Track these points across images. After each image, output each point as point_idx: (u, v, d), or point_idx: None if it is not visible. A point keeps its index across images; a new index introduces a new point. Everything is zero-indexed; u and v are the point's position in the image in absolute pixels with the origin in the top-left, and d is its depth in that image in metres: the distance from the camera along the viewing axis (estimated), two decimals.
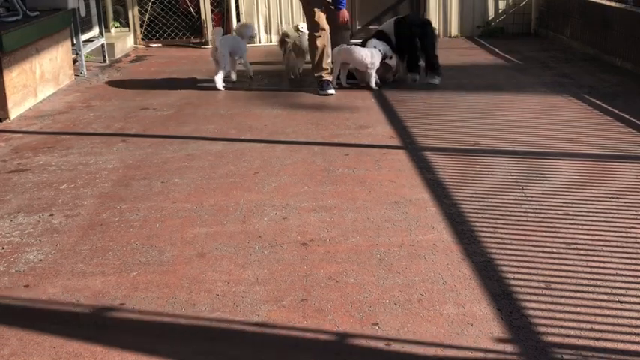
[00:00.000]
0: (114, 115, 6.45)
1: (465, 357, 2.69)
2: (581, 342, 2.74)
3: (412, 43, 7.23)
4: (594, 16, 8.47)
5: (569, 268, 3.32)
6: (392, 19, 7.63)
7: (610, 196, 4.17)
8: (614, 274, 3.24)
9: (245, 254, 3.58)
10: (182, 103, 6.85)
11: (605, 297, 3.06)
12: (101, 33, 9.06)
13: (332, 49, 7.22)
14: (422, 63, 7.35)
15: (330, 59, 7.18)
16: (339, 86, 7.17)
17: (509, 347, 2.74)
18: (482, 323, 2.89)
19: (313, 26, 7.09)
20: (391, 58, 7.09)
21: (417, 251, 3.55)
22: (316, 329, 2.90)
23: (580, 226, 3.77)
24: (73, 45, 8.09)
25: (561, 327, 2.84)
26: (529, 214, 3.94)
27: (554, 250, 3.50)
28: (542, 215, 3.92)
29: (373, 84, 7.07)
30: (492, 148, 5.15)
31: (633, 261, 3.36)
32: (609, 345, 2.73)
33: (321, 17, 7.05)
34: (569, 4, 9.21)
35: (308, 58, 7.42)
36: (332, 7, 7.12)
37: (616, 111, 6.00)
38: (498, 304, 3.03)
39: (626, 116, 5.83)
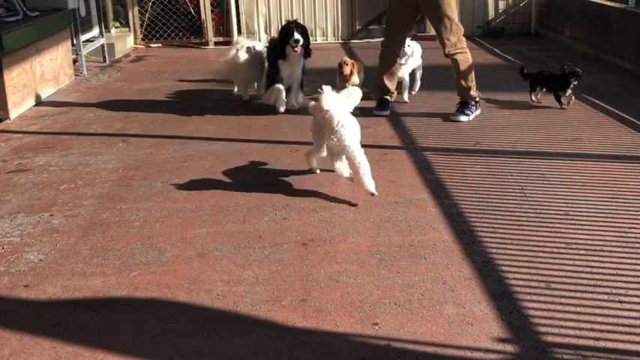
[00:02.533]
0: (114, 115, 6.45)
1: (464, 357, 2.69)
2: (581, 342, 2.74)
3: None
4: (594, 16, 8.47)
5: (569, 268, 3.32)
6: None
7: (610, 196, 4.17)
8: (614, 274, 3.24)
9: (245, 254, 3.58)
10: (182, 102, 6.85)
11: (605, 297, 3.06)
12: (101, 33, 9.06)
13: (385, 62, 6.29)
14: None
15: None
16: None
17: (509, 347, 2.74)
18: (482, 323, 2.89)
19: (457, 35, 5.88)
20: None
21: (417, 251, 3.55)
22: (316, 329, 2.90)
23: (580, 226, 3.78)
24: (73, 45, 8.09)
25: (561, 327, 2.84)
26: (529, 214, 3.94)
27: (554, 250, 3.51)
28: (542, 215, 3.92)
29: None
30: (493, 148, 5.15)
31: (633, 261, 3.36)
32: (609, 345, 2.73)
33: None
34: (569, 4, 9.21)
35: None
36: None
37: (616, 111, 6.00)
38: (498, 304, 3.03)
39: (626, 116, 5.83)
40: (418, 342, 2.79)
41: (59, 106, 6.83)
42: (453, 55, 5.88)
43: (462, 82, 5.93)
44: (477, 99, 6.02)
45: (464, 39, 5.91)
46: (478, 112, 6.00)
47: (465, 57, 5.89)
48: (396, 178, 4.60)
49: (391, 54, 6.16)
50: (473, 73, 5.95)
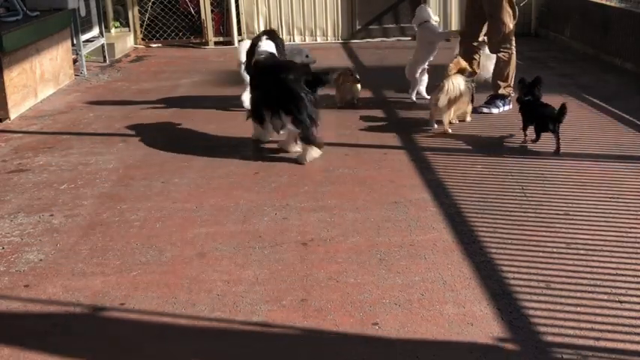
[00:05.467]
0: (114, 115, 6.45)
1: (465, 357, 2.69)
2: (581, 342, 2.74)
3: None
4: (594, 16, 8.47)
5: (569, 268, 3.32)
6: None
7: (610, 196, 4.16)
8: (614, 274, 3.24)
9: (245, 254, 3.57)
10: (182, 102, 6.85)
11: (605, 297, 3.05)
12: (101, 33, 9.06)
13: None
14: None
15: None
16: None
17: (509, 347, 2.74)
18: (482, 323, 2.89)
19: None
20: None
21: (417, 251, 3.55)
22: (316, 329, 2.90)
23: (580, 226, 3.77)
24: (73, 45, 8.08)
25: (561, 327, 2.84)
26: (529, 214, 3.94)
27: (554, 250, 3.50)
28: (542, 215, 3.92)
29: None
30: (492, 148, 5.15)
31: (633, 261, 3.36)
32: (609, 345, 2.73)
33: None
34: (569, 4, 9.20)
35: None
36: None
37: (616, 111, 6.00)
38: (498, 304, 3.03)
39: (626, 116, 5.82)
40: (418, 342, 2.79)
41: (59, 106, 6.83)
42: (495, 52, 6.13)
43: (496, 78, 6.14)
44: (509, 97, 6.15)
45: (512, 39, 6.08)
46: (507, 107, 6.11)
47: (506, 56, 6.09)
48: (396, 178, 4.59)
49: (467, 50, 6.31)
50: (511, 72, 6.13)
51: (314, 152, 4.91)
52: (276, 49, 5.41)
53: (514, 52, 6.12)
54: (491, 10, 6.02)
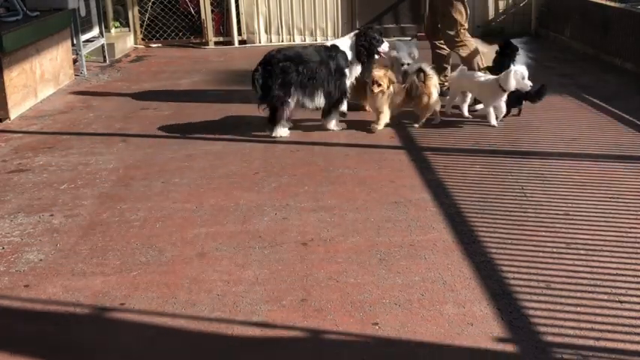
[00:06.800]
0: (114, 115, 6.45)
1: (465, 357, 2.70)
2: (581, 342, 2.74)
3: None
4: (594, 16, 8.47)
5: (569, 268, 3.32)
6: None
7: (610, 196, 4.16)
8: (614, 274, 3.24)
9: (245, 254, 3.58)
10: (182, 102, 6.85)
11: (605, 297, 3.06)
12: (101, 33, 9.06)
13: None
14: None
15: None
16: None
17: (509, 347, 2.74)
18: (482, 323, 2.89)
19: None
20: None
21: (417, 251, 3.55)
22: (316, 329, 2.90)
23: (580, 226, 3.77)
24: (73, 45, 8.08)
25: (561, 327, 2.84)
26: (529, 214, 3.94)
27: (554, 250, 3.50)
28: (542, 215, 3.92)
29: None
30: (492, 148, 5.15)
31: (633, 261, 3.36)
32: (609, 345, 2.73)
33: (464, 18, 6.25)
34: (569, 4, 9.20)
35: None
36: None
37: (616, 111, 6.00)
38: (498, 304, 3.03)
39: (626, 116, 5.82)
40: (418, 342, 2.79)
41: (59, 106, 6.83)
42: (454, 49, 6.35)
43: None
44: None
45: (464, 32, 6.26)
46: None
47: (465, 49, 6.26)
48: (396, 178, 4.60)
49: (436, 54, 6.59)
50: (479, 60, 6.27)
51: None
52: (350, 44, 5.75)
53: (471, 41, 6.29)
54: (443, 8, 6.26)
